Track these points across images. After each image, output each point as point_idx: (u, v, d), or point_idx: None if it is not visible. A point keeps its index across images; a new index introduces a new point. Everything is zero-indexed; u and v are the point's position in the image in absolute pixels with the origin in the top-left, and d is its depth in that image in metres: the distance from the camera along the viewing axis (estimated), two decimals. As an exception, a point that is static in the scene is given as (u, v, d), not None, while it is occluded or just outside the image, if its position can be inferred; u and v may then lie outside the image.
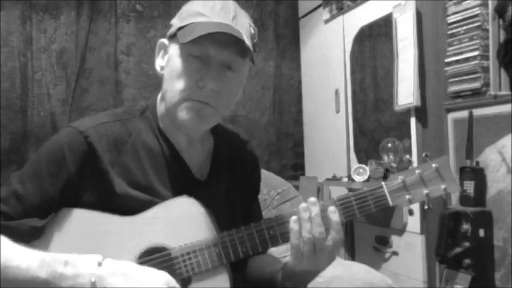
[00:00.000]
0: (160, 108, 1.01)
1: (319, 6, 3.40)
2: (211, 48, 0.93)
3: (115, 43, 3.35)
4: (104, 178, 0.92)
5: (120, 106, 3.16)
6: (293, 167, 3.76)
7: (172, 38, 0.98)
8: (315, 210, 0.89)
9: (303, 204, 0.90)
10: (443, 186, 0.93)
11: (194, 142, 1.03)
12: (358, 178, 2.64)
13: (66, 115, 3.21)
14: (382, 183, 0.94)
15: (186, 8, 0.98)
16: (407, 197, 0.93)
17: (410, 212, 0.94)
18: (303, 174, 3.64)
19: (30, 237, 0.89)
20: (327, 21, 3.32)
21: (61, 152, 0.91)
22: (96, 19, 3.32)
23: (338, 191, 3.12)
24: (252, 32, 0.97)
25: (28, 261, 0.81)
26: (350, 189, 2.89)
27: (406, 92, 2.44)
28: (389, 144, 2.67)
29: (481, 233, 1.99)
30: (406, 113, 2.51)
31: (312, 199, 0.91)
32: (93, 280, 0.79)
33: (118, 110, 1.03)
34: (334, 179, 2.99)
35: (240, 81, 0.99)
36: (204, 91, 0.93)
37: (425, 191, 0.93)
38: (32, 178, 0.91)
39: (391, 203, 0.94)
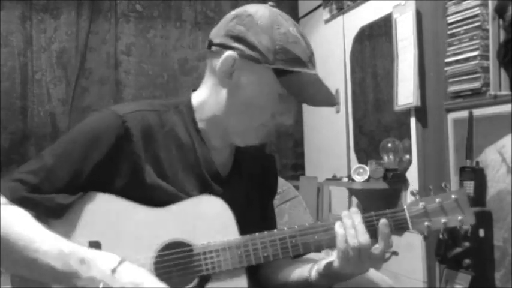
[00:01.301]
0: (200, 111, 1.01)
1: (319, 6, 3.40)
2: (311, 96, 0.97)
3: (115, 43, 3.35)
4: (135, 163, 0.92)
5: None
6: (293, 167, 3.76)
7: (254, 60, 0.93)
8: (357, 218, 0.92)
9: (345, 212, 0.94)
10: (460, 217, 0.96)
11: (224, 143, 1.04)
12: (358, 178, 2.64)
13: (66, 115, 3.21)
14: (404, 206, 0.97)
15: (279, 34, 0.93)
16: (426, 223, 0.96)
17: (425, 238, 0.96)
18: (303, 174, 3.64)
19: (54, 214, 0.88)
20: (327, 21, 3.32)
21: (97, 132, 0.91)
22: (96, 19, 3.32)
23: (338, 191, 3.12)
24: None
25: (47, 247, 0.81)
26: (350, 189, 2.90)
27: (406, 92, 2.44)
28: (390, 144, 2.67)
29: (481, 233, 1.99)
30: (406, 113, 2.51)
31: (354, 209, 0.95)
32: (100, 286, 0.79)
33: (155, 101, 1.03)
34: (334, 179, 2.99)
35: None
36: (277, 123, 0.98)
37: (443, 220, 0.96)
38: (64, 154, 0.91)
39: (411, 228, 0.97)
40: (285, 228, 0.94)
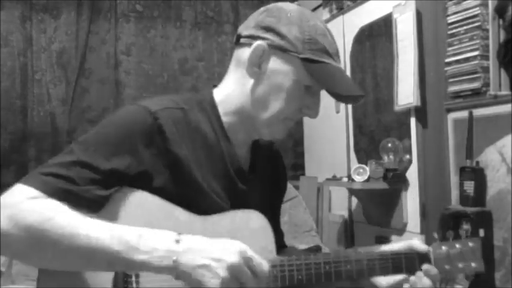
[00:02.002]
0: (225, 105, 1.01)
1: (319, 6, 3.40)
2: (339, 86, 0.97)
3: (115, 43, 3.35)
4: (173, 160, 0.91)
5: (120, 106, 3.16)
6: (293, 167, 3.76)
7: (286, 51, 0.94)
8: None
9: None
10: (474, 265, 1.03)
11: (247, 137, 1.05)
12: (358, 178, 2.64)
13: (66, 115, 3.21)
14: (430, 249, 1.02)
15: (308, 25, 0.95)
16: (446, 267, 1.01)
17: (443, 284, 1.03)
18: (303, 174, 3.64)
19: (91, 207, 0.85)
20: (327, 21, 3.32)
21: (131, 129, 0.89)
22: (96, 19, 3.32)
23: (338, 191, 3.12)
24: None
25: (98, 229, 0.79)
26: (350, 189, 2.90)
27: (406, 92, 2.44)
28: (390, 144, 2.67)
29: (481, 233, 1.98)
30: (406, 113, 2.51)
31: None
32: (174, 258, 0.77)
33: (177, 97, 1.01)
34: (334, 179, 2.99)
35: None
36: (302, 116, 1.00)
37: (460, 265, 1.02)
38: (98, 148, 0.88)
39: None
40: (320, 255, 0.96)
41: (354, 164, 2.93)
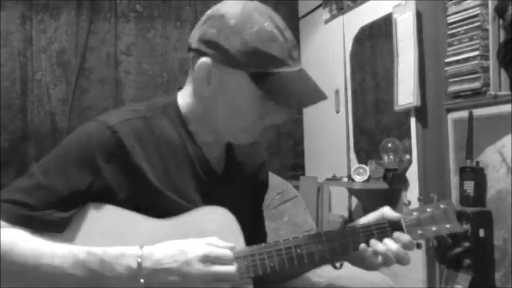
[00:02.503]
0: (188, 111, 0.99)
1: (319, 6, 3.40)
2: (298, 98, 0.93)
3: (115, 43, 3.35)
4: (135, 173, 0.90)
5: (120, 106, 3.16)
6: (293, 167, 3.76)
7: (227, 62, 0.90)
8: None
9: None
10: (448, 226, 1.04)
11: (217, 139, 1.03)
12: (358, 178, 2.64)
13: (66, 115, 3.21)
14: (401, 215, 1.03)
15: (251, 34, 0.88)
16: (419, 232, 1.02)
17: (418, 246, 1.02)
18: (303, 174, 3.64)
19: (54, 229, 0.86)
20: (327, 21, 3.32)
21: (89, 146, 0.89)
22: (96, 19, 3.32)
23: (338, 191, 3.12)
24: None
25: (61, 258, 0.80)
26: (350, 189, 2.90)
27: (406, 92, 2.44)
28: (390, 144, 2.67)
29: (481, 233, 1.99)
30: (406, 113, 2.51)
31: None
32: (142, 281, 0.79)
33: (139, 106, 0.99)
34: (334, 179, 2.99)
35: None
36: (266, 125, 0.96)
37: (434, 228, 1.03)
38: (58, 170, 0.88)
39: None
40: (291, 238, 0.95)
41: (354, 164, 2.93)
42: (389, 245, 0.97)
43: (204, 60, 0.91)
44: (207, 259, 0.82)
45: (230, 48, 0.88)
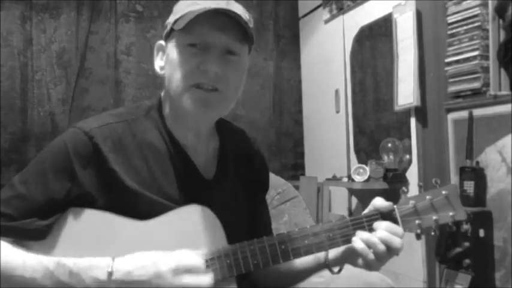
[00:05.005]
0: (165, 107, 1.00)
1: (319, 6, 3.40)
2: (208, 34, 0.91)
3: (115, 43, 3.35)
4: (112, 178, 0.91)
5: (120, 106, 3.16)
6: (293, 167, 3.76)
7: (169, 36, 0.98)
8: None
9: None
10: (451, 213, 0.95)
11: (201, 140, 1.02)
12: (358, 178, 2.64)
13: (66, 115, 3.21)
14: (395, 206, 0.96)
15: (179, 3, 0.98)
16: (417, 222, 0.94)
17: (418, 237, 0.94)
18: (303, 174, 3.64)
19: (35, 237, 0.87)
20: (327, 21, 3.32)
21: (66, 153, 0.90)
22: (96, 19, 3.32)
23: (338, 191, 3.12)
24: (248, 17, 0.95)
25: (32, 270, 0.80)
26: (350, 189, 2.90)
27: (406, 92, 2.44)
28: (390, 144, 2.67)
29: (481, 233, 1.99)
30: (406, 113, 2.51)
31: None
32: None
33: (122, 110, 1.01)
34: (334, 179, 2.99)
35: (244, 66, 0.98)
36: (207, 75, 0.91)
37: (434, 217, 0.95)
38: (36, 178, 0.89)
39: (401, 228, 0.95)
40: (274, 235, 0.93)
41: (354, 164, 2.93)
42: (374, 233, 0.92)
43: (159, 42, 1.02)
44: (179, 271, 0.82)
45: (168, 22, 0.99)
